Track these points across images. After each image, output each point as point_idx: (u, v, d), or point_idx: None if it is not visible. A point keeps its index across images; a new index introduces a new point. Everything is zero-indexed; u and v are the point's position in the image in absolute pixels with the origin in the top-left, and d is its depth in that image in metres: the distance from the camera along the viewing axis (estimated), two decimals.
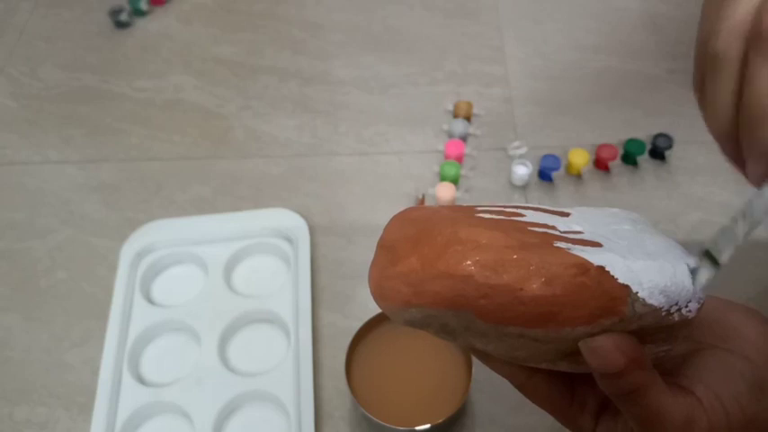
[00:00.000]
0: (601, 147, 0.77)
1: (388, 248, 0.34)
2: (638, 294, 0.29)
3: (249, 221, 0.72)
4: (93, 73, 0.89)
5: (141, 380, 0.63)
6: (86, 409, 0.62)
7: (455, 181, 0.75)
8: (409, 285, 0.31)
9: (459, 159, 0.77)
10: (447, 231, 0.31)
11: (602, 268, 0.29)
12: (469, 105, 0.82)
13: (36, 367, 0.65)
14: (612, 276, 0.29)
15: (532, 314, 0.29)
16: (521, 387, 0.35)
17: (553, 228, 0.33)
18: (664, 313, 0.30)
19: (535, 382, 0.35)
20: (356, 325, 0.60)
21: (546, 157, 0.76)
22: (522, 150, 0.78)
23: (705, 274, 0.32)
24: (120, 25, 0.94)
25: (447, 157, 0.78)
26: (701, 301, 0.32)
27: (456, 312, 0.30)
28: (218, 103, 0.86)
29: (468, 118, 0.81)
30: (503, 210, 0.34)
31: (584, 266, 0.29)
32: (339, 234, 0.73)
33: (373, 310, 0.61)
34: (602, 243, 0.31)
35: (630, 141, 0.77)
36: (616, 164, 0.77)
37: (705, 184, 0.75)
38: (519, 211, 0.34)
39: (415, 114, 0.83)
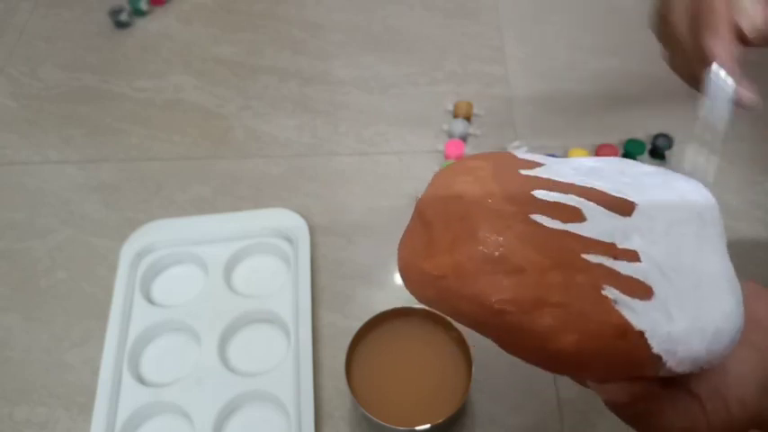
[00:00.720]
0: (601, 147, 0.77)
1: (426, 224, 0.32)
2: (668, 364, 0.29)
3: (249, 221, 0.72)
4: (93, 73, 0.89)
5: (141, 380, 0.63)
6: (86, 409, 0.62)
7: None
8: (437, 290, 0.30)
9: (459, 159, 0.77)
10: (491, 241, 0.28)
11: (641, 334, 0.28)
12: (469, 105, 0.82)
13: (36, 367, 0.65)
14: (648, 345, 0.28)
15: (556, 363, 0.29)
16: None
17: (611, 249, 0.30)
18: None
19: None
20: (356, 325, 0.60)
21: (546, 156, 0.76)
22: (522, 150, 0.78)
23: (697, 156, 0.34)
24: (120, 25, 0.94)
25: (447, 157, 0.78)
26: (726, 354, 0.31)
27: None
28: (218, 103, 0.86)
29: (468, 118, 0.81)
30: (570, 187, 0.31)
31: (624, 330, 0.28)
32: (339, 234, 0.73)
33: (373, 310, 0.61)
34: (653, 289, 0.29)
35: (630, 141, 0.77)
36: None
37: (705, 183, 0.75)
38: (581, 203, 0.30)
39: (415, 114, 0.83)
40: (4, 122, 0.85)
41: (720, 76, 0.40)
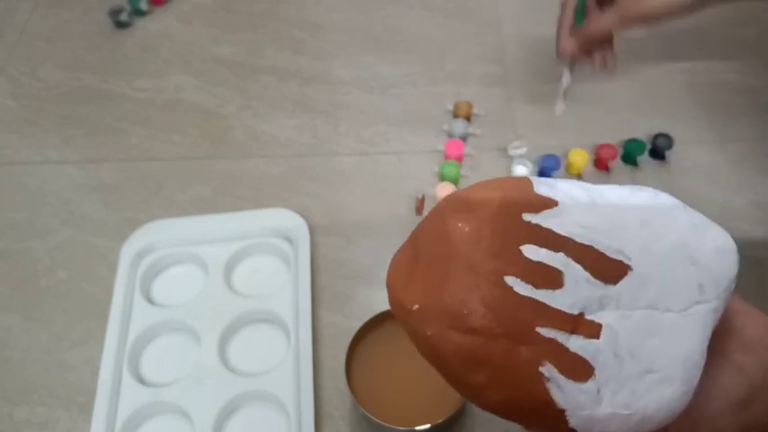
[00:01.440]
0: (601, 147, 0.77)
1: (415, 250, 0.33)
2: None
3: (249, 221, 0.72)
4: (93, 73, 0.89)
5: (141, 380, 0.63)
6: (86, 409, 0.62)
7: (455, 181, 0.75)
8: (402, 318, 0.32)
9: (460, 159, 0.77)
10: (456, 298, 0.30)
11: (561, 411, 0.30)
12: (469, 105, 0.82)
13: (36, 367, 0.65)
14: (566, 420, 0.30)
15: (483, 407, 0.31)
16: None
17: (573, 322, 0.30)
18: None
19: None
20: (356, 325, 0.60)
21: (546, 157, 0.76)
22: (522, 150, 0.78)
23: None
24: (120, 25, 0.94)
25: (447, 157, 0.78)
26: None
27: None
28: (218, 103, 0.86)
29: (468, 118, 0.81)
30: (566, 243, 0.31)
31: (546, 405, 0.30)
32: (339, 234, 0.73)
33: (373, 310, 0.61)
34: (595, 371, 0.30)
35: (630, 141, 0.77)
36: (616, 164, 0.77)
37: (705, 183, 0.75)
38: (566, 266, 0.30)
39: (415, 114, 0.83)
40: (4, 122, 0.85)
41: (564, 62, 0.73)
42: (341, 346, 0.59)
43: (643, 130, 0.79)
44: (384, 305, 0.61)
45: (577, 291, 0.30)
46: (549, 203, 0.31)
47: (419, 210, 0.73)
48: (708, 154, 0.78)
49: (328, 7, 0.96)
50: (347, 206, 0.75)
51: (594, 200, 0.32)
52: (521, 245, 0.30)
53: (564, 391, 0.30)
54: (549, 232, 0.31)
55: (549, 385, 0.29)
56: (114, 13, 0.93)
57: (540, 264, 0.30)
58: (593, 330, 0.30)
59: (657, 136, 0.77)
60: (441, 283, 0.30)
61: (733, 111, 0.82)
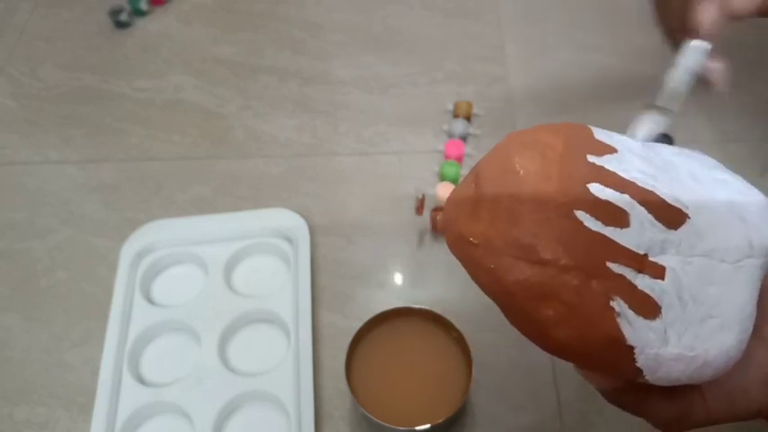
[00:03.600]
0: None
1: (478, 186, 0.32)
2: (646, 378, 0.31)
3: (249, 221, 0.72)
4: (93, 73, 0.89)
5: (141, 380, 0.63)
6: (86, 409, 0.62)
7: (455, 181, 0.75)
8: (465, 254, 0.31)
9: (460, 159, 0.77)
10: (527, 229, 0.29)
11: (630, 349, 0.30)
12: (469, 105, 0.82)
13: (36, 367, 0.65)
14: (634, 359, 0.30)
15: (547, 347, 0.30)
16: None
17: (639, 261, 0.30)
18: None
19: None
20: (356, 325, 0.60)
21: None
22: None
23: (654, 123, 0.37)
24: (120, 25, 0.94)
25: (447, 157, 0.78)
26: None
27: None
28: (218, 103, 0.86)
29: (468, 118, 0.81)
30: (629, 186, 0.31)
31: (616, 341, 0.29)
32: (339, 234, 0.73)
33: (373, 310, 0.61)
34: (662, 310, 0.30)
35: None
36: None
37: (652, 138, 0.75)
38: (631, 207, 0.30)
39: (415, 114, 0.83)
40: (4, 122, 0.85)
41: (697, 48, 0.44)
42: (341, 346, 0.59)
43: None
44: (384, 305, 0.61)
45: (642, 232, 0.31)
46: (609, 149, 0.32)
47: (419, 210, 0.73)
48: (708, 154, 0.78)
49: (328, 7, 0.96)
50: (347, 206, 0.75)
51: (648, 152, 0.33)
52: (588, 183, 0.30)
53: (634, 327, 0.29)
54: (614, 174, 0.31)
55: (619, 320, 0.29)
56: (114, 13, 0.93)
57: (607, 202, 0.30)
58: (658, 272, 0.30)
59: (657, 136, 0.77)
60: (509, 217, 0.30)
61: (733, 111, 0.82)
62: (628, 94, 0.85)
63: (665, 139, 0.77)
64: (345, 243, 0.72)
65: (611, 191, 0.30)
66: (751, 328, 0.32)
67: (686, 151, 0.35)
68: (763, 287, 0.34)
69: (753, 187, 0.35)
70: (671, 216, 0.31)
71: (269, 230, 0.71)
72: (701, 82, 0.43)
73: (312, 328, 0.64)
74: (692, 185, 0.33)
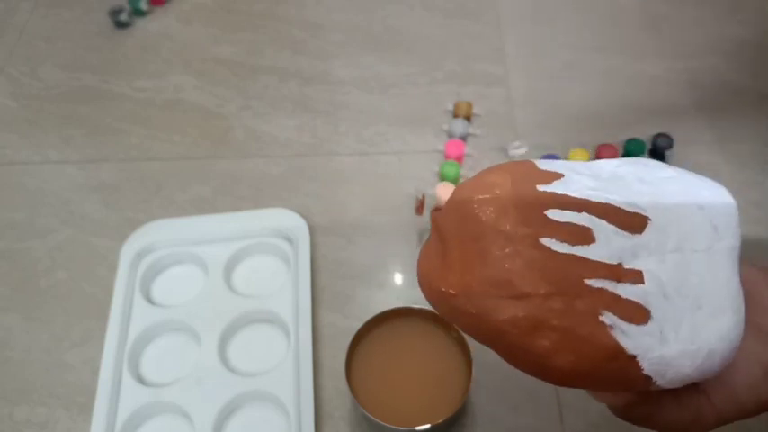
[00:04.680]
0: (601, 147, 0.77)
1: (442, 240, 0.33)
2: (658, 383, 0.31)
3: (249, 221, 0.72)
4: (93, 73, 0.90)
5: (141, 380, 0.63)
6: (86, 409, 0.62)
7: (455, 181, 0.75)
8: (448, 307, 0.32)
9: (460, 159, 0.77)
10: (499, 266, 0.30)
11: (632, 357, 0.30)
12: (469, 105, 0.82)
13: (36, 367, 0.65)
14: (640, 366, 0.30)
15: (553, 378, 0.31)
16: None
17: (615, 272, 0.31)
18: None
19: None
20: (356, 325, 0.60)
21: (546, 157, 0.76)
22: (522, 150, 0.78)
23: None
24: (120, 25, 0.94)
25: (447, 157, 0.78)
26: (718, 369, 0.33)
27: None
28: (218, 103, 0.86)
29: (468, 118, 0.81)
30: (584, 204, 0.32)
31: (616, 353, 0.30)
32: (339, 234, 0.73)
33: (373, 310, 0.61)
34: (651, 312, 0.31)
35: (630, 141, 0.77)
36: None
37: None
38: (593, 223, 0.31)
39: (415, 114, 0.83)
40: (4, 122, 0.85)
41: None
42: (341, 346, 0.59)
43: (643, 130, 0.79)
44: (384, 305, 0.61)
45: (609, 243, 0.31)
46: (555, 175, 0.33)
47: (419, 210, 0.73)
48: (708, 154, 0.78)
49: (328, 7, 0.96)
50: (347, 206, 0.75)
51: (593, 169, 0.34)
52: (545, 210, 0.31)
53: (629, 336, 0.30)
54: (566, 197, 0.32)
55: (613, 332, 0.30)
56: (114, 13, 0.93)
57: (568, 224, 0.31)
58: (637, 276, 0.31)
59: (657, 136, 0.77)
60: (480, 260, 0.30)
61: (733, 111, 0.82)
62: (627, 95, 0.85)
63: (666, 139, 0.77)
64: (345, 243, 0.72)
65: (569, 212, 0.31)
66: (743, 307, 0.33)
67: (628, 160, 0.36)
68: (747, 277, 0.35)
69: (700, 175, 0.36)
70: (632, 222, 0.32)
71: (269, 230, 0.71)
72: None
73: (312, 328, 0.64)
74: (643, 189, 0.33)
